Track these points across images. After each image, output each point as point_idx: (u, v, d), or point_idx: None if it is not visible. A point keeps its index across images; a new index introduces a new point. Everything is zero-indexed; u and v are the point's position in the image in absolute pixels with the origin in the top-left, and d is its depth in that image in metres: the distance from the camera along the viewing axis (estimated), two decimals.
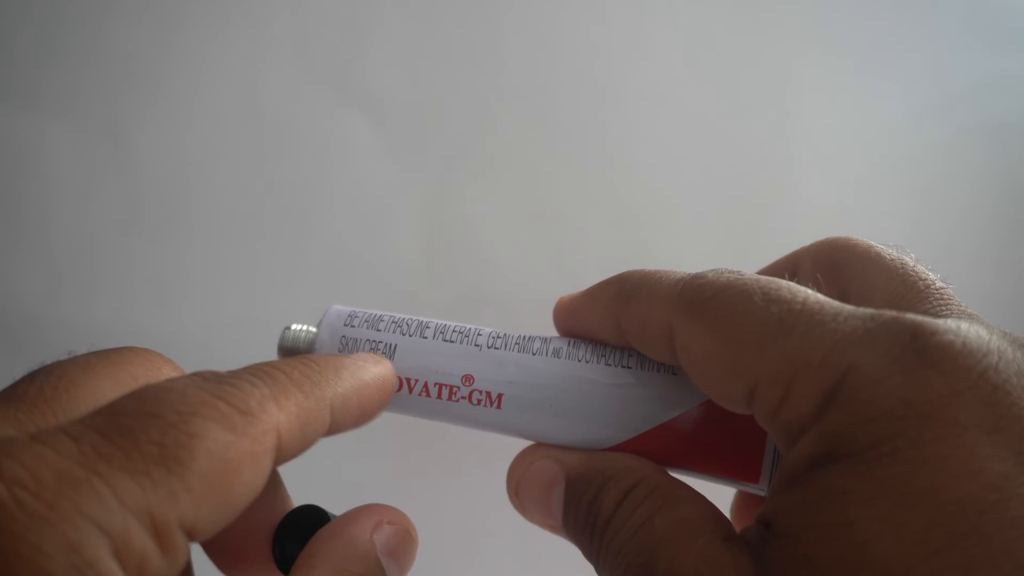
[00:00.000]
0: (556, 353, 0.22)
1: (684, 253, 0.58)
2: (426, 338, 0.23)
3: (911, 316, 0.16)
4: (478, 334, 0.23)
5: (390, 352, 0.23)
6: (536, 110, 0.59)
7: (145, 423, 0.15)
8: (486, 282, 0.57)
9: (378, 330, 0.23)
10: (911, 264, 0.21)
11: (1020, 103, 0.63)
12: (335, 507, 0.21)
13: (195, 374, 0.17)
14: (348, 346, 0.23)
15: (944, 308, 0.19)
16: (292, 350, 0.23)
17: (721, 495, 0.22)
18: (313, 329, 0.23)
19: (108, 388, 0.17)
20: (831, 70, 0.62)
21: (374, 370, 0.21)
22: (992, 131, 0.63)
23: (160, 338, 0.54)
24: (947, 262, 0.21)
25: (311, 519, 0.21)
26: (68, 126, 0.54)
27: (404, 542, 0.20)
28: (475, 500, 0.53)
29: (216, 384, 0.16)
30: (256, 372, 0.17)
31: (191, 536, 0.15)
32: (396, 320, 0.23)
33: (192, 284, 0.55)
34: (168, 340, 0.54)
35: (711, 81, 0.61)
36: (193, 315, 0.55)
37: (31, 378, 0.17)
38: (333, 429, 0.19)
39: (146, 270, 0.55)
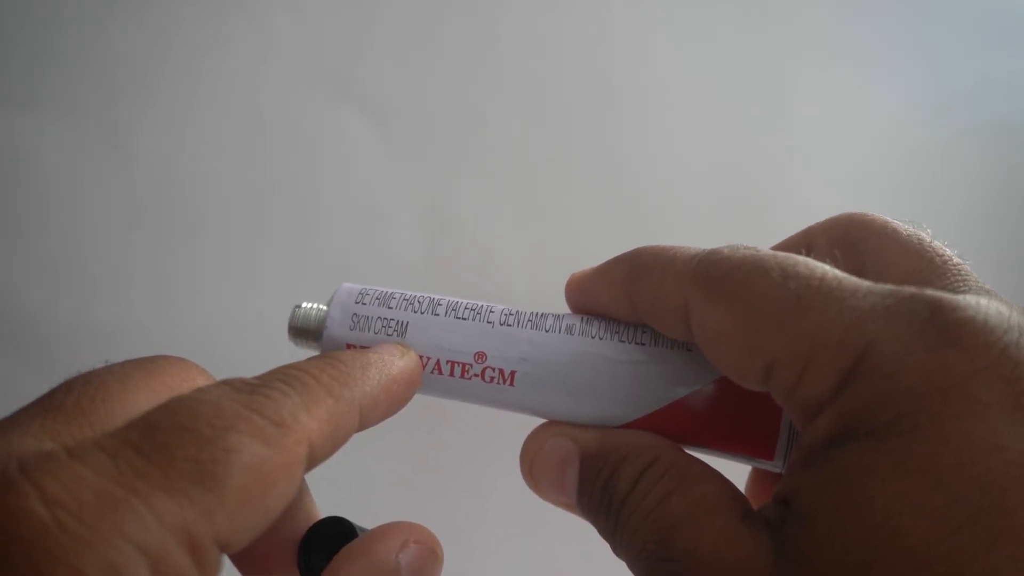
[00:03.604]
0: (569, 330, 0.22)
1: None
2: (438, 315, 0.23)
3: (931, 292, 0.16)
4: (490, 311, 0.23)
5: (401, 330, 0.22)
6: (536, 110, 0.59)
7: (180, 438, 0.15)
8: (486, 282, 0.57)
9: (389, 307, 0.23)
10: (927, 240, 0.21)
11: (1020, 103, 0.63)
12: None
13: (225, 382, 0.17)
14: (359, 324, 0.23)
15: (962, 284, 0.19)
16: (302, 329, 0.23)
17: (736, 472, 0.22)
18: (324, 307, 0.23)
19: (144, 400, 0.17)
20: (831, 70, 0.62)
21: (400, 364, 0.21)
22: (992, 131, 0.63)
23: (160, 338, 0.54)
24: None
25: (338, 532, 0.21)
26: (67, 127, 0.54)
27: (429, 561, 0.20)
28: (484, 484, 0.53)
29: (248, 395, 0.16)
30: (286, 379, 0.17)
31: (224, 549, 0.15)
32: (407, 297, 0.23)
33: (192, 284, 0.55)
34: (168, 340, 0.54)
35: (711, 81, 0.61)
36: (193, 315, 0.55)
37: (68, 387, 0.17)
38: (361, 427, 0.19)
39: (146, 270, 0.55)
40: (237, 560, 0.21)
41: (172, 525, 0.14)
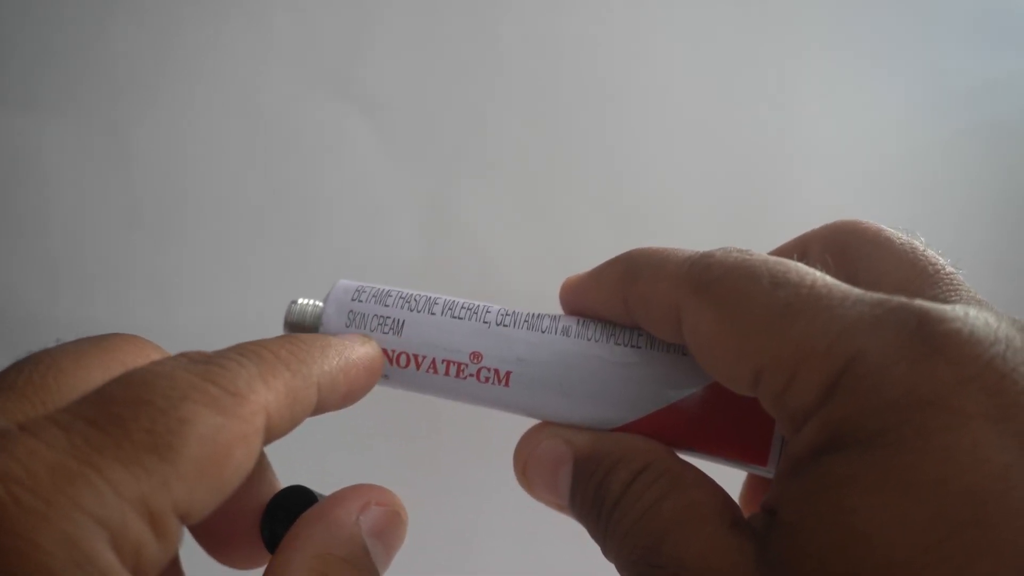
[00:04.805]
0: (565, 331, 0.22)
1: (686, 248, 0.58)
2: (434, 314, 0.22)
3: (919, 303, 0.16)
4: (487, 311, 0.22)
5: (397, 328, 0.22)
6: (536, 110, 0.59)
7: (135, 410, 0.14)
8: (486, 282, 0.57)
9: (386, 305, 0.23)
10: (921, 248, 0.21)
11: (1021, 103, 0.63)
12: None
13: (182, 355, 0.17)
14: (355, 321, 0.23)
15: (953, 293, 0.19)
16: (298, 324, 0.23)
17: (731, 477, 0.22)
18: (320, 304, 0.23)
19: (98, 376, 0.17)
20: (831, 70, 0.62)
21: (361, 350, 0.21)
22: (992, 131, 0.63)
23: (159, 338, 0.53)
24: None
25: (299, 500, 0.21)
26: (67, 126, 0.54)
27: (392, 523, 0.20)
28: (478, 483, 0.53)
29: (204, 366, 0.16)
30: (243, 351, 0.17)
31: (184, 520, 0.15)
32: (404, 296, 0.23)
33: (191, 284, 0.55)
34: (167, 340, 0.53)
35: (711, 81, 0.61)
36: (192, 315, 0.55)
37: (19, 367, 0.17)
38: (320, 408, 0.19)
39: (145, 270, 0.55)
40: (201, 537, 0.21)
41: (129, 496, 0.14)
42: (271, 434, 0.17)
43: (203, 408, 0.15)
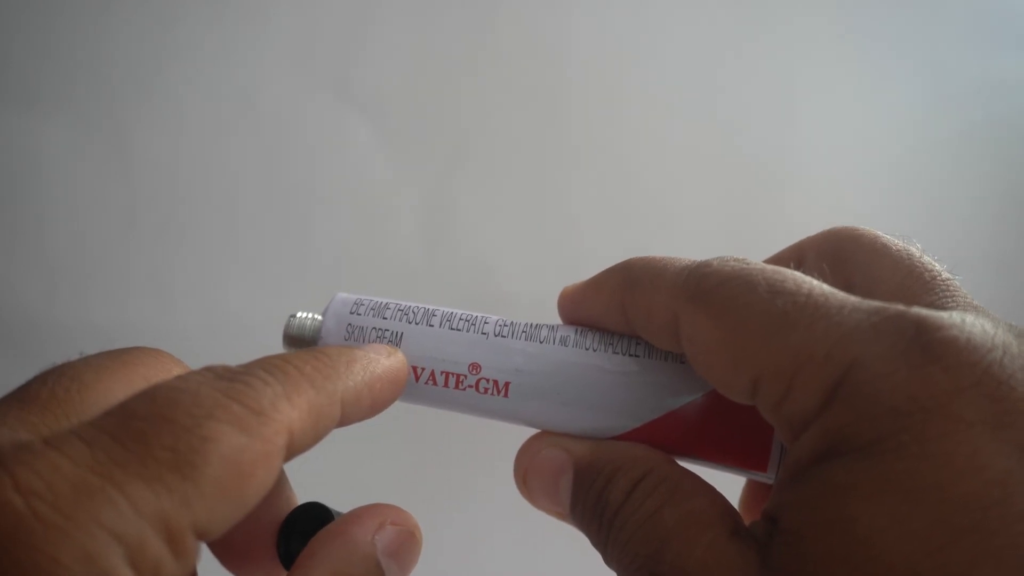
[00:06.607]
0: (563, 341, 0.22)
1: (685, 253, 0.58)
2: (432, 326, 0.23)
3: (916, 310, 0.16)
4: (484, 322, 0.23)
5: (396, 340, 0.22)
6: (536, 109, 0.59)
7: (158, 427, 0.15)
8: (486, 282, 0.57)
9: (384, 318, 0.23)
10: (917, 255, 0.21)
11: (1022, 104, 0.63)
12: (340, 505, 0.21)
13: (207, 370, 0.17)
14: (354, 334, 0.23)
15: (950, 300, 0.19)
16: (297, 338, 0.23)
17: (731, 484, 0.22)
18: (318, 317, 0.23)
19: (120, 390, 0.17)
20: (834, 70, 0.62)
21: (386, 363, 0.21)
22: (995, 131, 0.63)
23: (158, 339, 0.53)
24: (949, 263, 0.21)
25: (315, 516, 0.21)
26: (66, 126, 0.54)
27: (407, 543, 0.20)
28: (478, 492, 0.53)
29: (229, 383, 0.16)
30: (268, 368, 0.17)
31: (202, 537, 0.15)
32: (402, 308, 0.23)
33: (190, 285, 0.55)
34: (166, 341, 0.53)
35: (712, 81, 0.61)
36: (191, 316, 0.55)
37: (43, 379, 0.17)
38: (344, 422, 0.19)
39: (144, 271, 0.55)
40: (216, 548, 0.21)
41: (149, 514, 0.14)
42: (293, 451, 0.17)
43: (226, 427, 0.15)
